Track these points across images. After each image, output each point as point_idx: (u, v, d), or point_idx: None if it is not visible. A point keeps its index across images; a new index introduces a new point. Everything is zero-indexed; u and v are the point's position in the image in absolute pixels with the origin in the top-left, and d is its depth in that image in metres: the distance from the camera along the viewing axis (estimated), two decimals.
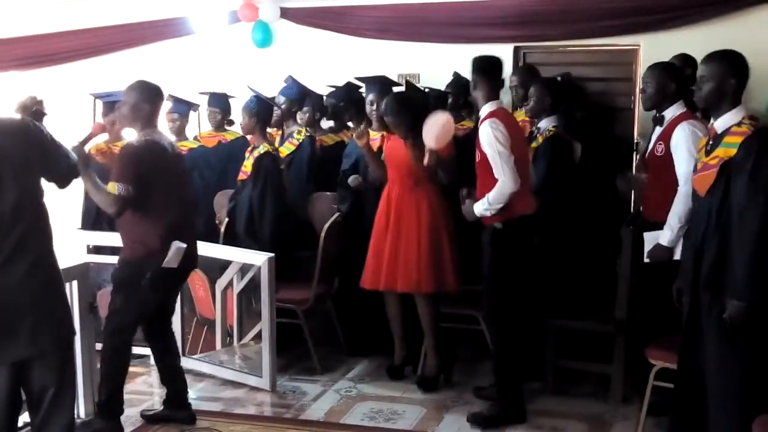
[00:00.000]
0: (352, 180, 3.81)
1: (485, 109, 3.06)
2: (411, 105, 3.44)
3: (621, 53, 4.50)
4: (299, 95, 4.29)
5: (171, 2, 5.22)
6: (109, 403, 2.93)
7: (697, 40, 4.10)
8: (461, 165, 3.42)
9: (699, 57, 3.86)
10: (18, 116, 2.27)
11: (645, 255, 2.94)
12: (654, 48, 4.23)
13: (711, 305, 2.30)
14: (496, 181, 2.95)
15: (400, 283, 3.42)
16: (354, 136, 3.67)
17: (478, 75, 3.09)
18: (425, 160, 3.24)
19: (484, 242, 3.09)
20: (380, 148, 3.67)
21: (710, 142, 2.40)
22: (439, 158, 3.26)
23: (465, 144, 3.65)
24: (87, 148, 3.02)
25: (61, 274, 2.32)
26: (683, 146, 2.89)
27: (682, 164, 2.87)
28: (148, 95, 2.90)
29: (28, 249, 2.12)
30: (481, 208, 3.02)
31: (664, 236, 2.90)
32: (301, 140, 4.11)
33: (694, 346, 2.41)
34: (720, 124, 2.37)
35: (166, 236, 2.85)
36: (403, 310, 3.60)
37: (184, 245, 2.88)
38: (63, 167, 2.35)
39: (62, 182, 2.41)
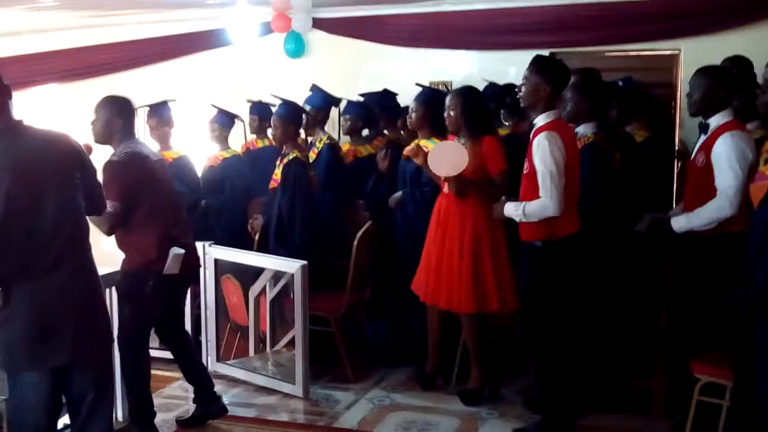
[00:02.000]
0: (392, 200, 3.74)
1: (542, 119, 2.80)
2: (475, 103, 3.27)
3: (661, 59, 4.42)
4: (325, 104, 4.30)
5: (202, 15, 5.32)
6: (139, 410, 2.97)
7: (739, 45, 3.99)
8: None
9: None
10: (60, 130, 2.30)
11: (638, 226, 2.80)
12: (695, 53, 4.13)
13: (764, 322, 2.18)
14: (538, 196, 2.78)
15: (442, 299, 3.33)
16: (378, 162, 3.51)
17: (540, 77, 2.79)
18: (444, 189, 3.10)
19: (522, 260, 2.92)
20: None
21: None
22: (464, 182, 3.08)
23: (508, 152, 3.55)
24: None
25: (101, 282, 2.35)
26: (723, 158, 2.69)
27: (721, 177, 2.71)
28: (119, 109, 2.90)
29: (69, 259, 2.16)
30: (513, 210, 2.84)
31: (677, 221, 2.77)
32: (320, 148, 4.11)
33: (748, 361, 2.30)
34: None
35: (160, 244, 2.86)
36: (443, 322, 3.52)
37: (182, 251, 2.90)
38: (97, 193, 2.39)
39: (93, 208, 2.40)
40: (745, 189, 2.57)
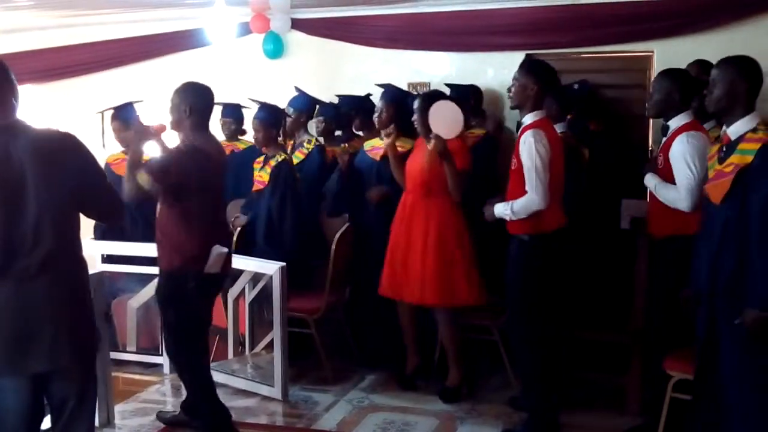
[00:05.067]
0: (373, 192, 3.74)
1: (530, 118, 2.90)
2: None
3: (635, 60, 4.47)
4: (308, 105, 4.30)
5: (180, 15, 5.28)
6: (212, 417, 2.90)
7: (711, 47, 4.06)
8: (473, 175, 3.38)
9: (713, 61, 3.87)
10: (61, 129, 2.19)
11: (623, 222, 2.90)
12: (668, 54, 4.20)
13: (729, 314, 2.25)
14: (526, 192, 2.86)
15: (407, 293, 3.38)
16: (383, 133, 3.53)
17: (529, 78, 2.87)
18: (430, 146, 3.11)
19: (510, 254, 2.97)
20: (405, 155, 3.57)
21: (723, 149, 2.34)
22: (446, 151, 3.12)
23: (475, 153, 3.62)
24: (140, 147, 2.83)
25: (89, 290, 2.26)
26: (680, 156, 2.75)
27: (679, 175, 2.76)
28: (193, 99, 2.81)
29: (53, 266, 2.09)
30: (502, 210, 2.92)
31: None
32: (310, 149, 4.12)
33: (712, 356, 2.35)
34: (733, 130, 2.32)
35: (203, 243, 2.82)
36: (416, 320, 3.56)
37: (225, 249, 2.87)
38: (104, 202, 2.24)
39: (100, 214, 2.33)
40: (701, 188, 2.62)
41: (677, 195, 2.77)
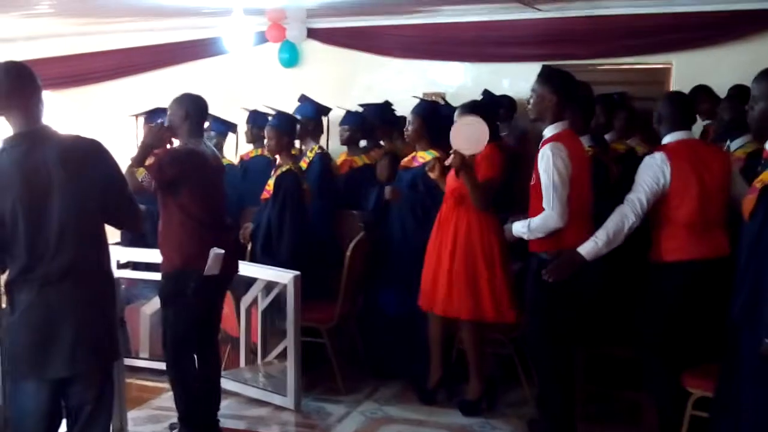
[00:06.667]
0: (388, 191, 3.68)
1: (550, 130, 2.79)
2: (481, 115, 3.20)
3: (653, 72, 4.45)
4: (314, 114, 4.30)
5: (197, 24, 5.33)
6: (189, 415, 2.95)
7: (730, 59, 4.04)
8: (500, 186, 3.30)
9: (733, 76, 3.84)
10: (87, 136, 2.22)
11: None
12: (687, 67, 4.17)
13: (747, 337, 2.18)
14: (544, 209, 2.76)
15: (439, 305, 3.33)
16: (426, 169, 3.34)
17: (545, 88, 2.77)
18: (447, 160, 3.05)
19: (530, 271, 2.90)
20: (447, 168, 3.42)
21: (762, 163, 2.25)
22: (466, 164, 3.06)
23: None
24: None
25: (113, 298, 2.28)
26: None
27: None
28: (191, 107, 2.95)
29: (75, 273, 2.10)
30: (520, 228, 2.84)
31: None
32: (312, 158, 4.10)
33: (732, 373, 2.30)
34: None
35: (199, 243, 2.85)
36: (444, 333, 3.50)
37: (222, 251, 2.88)
38: (124, 210, 2.25)
39: (120, 221, 2.34)
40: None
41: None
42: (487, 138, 3.05)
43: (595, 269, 2.87)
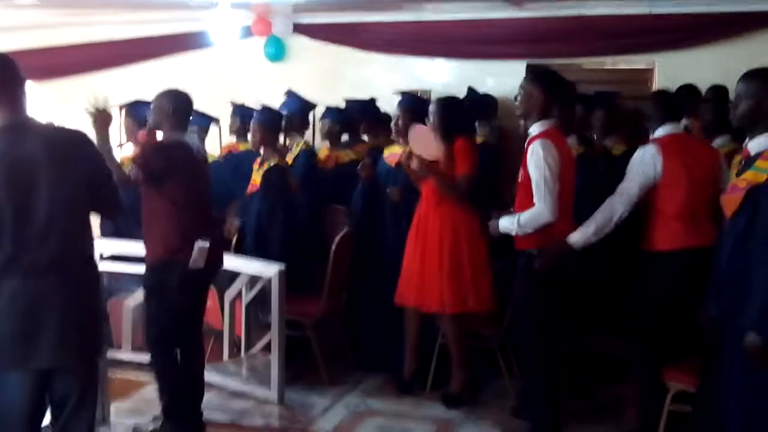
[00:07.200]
0: (393, 193, 3.68)
1: (537, 127, 2.82)
2: (454, 111, 3.34)
3: (636, 72, 4.51)
4: (300, 109, 4.30)
5: (183, 17, 5.30)
6: (171, 407, 2.95)
7: (712, 60, 4.11)
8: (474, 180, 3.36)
9: (714, 77, 3.91)
10: (73, 127, 2.22)
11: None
12: (669, 67, 4.24)
13: (733, 332, 2.21)
14: (533, 204, 2.79)
15: (427, 303, 3.36)
16: (403, 159, 3.45)
17: (533, 86, 2.82)
18: (403, 160, 3.15)
19: (518, 268, 2.92)
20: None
21: (743, 163, 2.28)
22: (427, 167, 3.15)
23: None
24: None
25: (98, 289, 2.28)
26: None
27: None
28: (175, 101, 2.97)
29: (64, 262, 2.10)
30: (507, 223, 2.84)
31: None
32: (297, 153, 4.11)
33: (715, 369, 2.33)
34: (754, 145, 2.25)
35: (184, 234, 2.85)
36: (422, 327, 3.54)
37: (207, 244, 2.88)
38: (108, 199, 2.29)
39: (105, 211, 2.36)
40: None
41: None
42: (440, 150, 3.17)
43: (586, 263, 2.93)
